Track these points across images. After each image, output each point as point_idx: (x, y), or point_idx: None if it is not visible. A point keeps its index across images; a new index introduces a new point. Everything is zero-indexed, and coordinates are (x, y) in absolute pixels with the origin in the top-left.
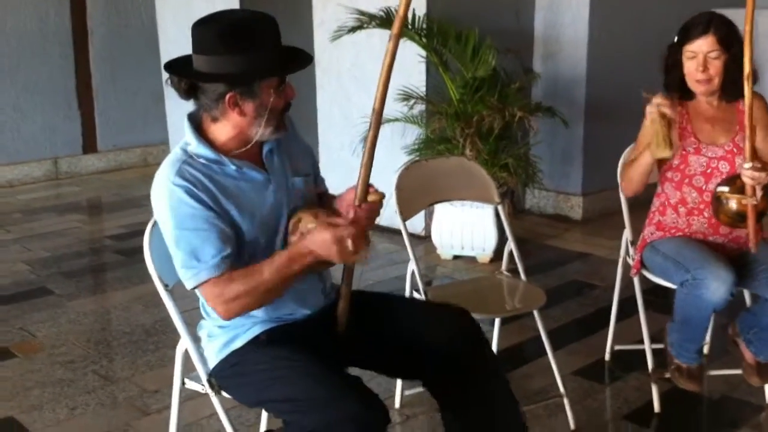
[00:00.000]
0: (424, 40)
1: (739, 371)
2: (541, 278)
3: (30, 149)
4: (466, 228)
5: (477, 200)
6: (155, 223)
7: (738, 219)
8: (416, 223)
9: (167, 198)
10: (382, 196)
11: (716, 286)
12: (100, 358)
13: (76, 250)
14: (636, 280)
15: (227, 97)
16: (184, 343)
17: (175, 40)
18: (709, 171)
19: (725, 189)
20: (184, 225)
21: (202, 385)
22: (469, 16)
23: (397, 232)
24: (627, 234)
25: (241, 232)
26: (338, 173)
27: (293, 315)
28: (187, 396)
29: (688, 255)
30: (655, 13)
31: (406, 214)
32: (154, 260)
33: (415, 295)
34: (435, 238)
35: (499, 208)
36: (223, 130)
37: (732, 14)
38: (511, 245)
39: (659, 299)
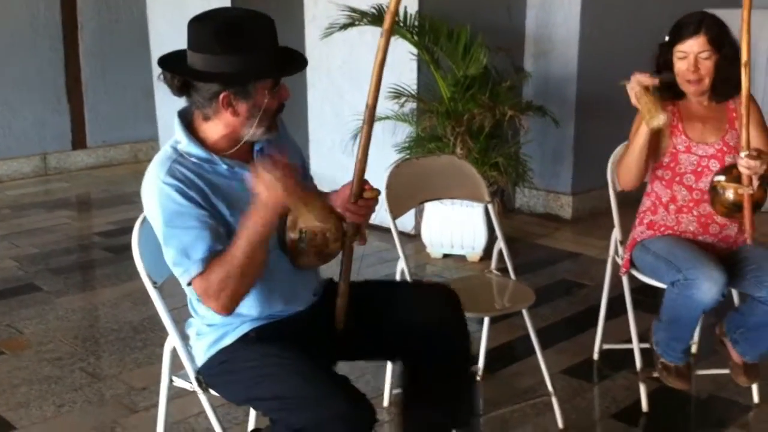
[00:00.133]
0: (415, 37)
1: (726, 371)
2: (530, 277)
3: (19, 145)
4: (456, 227)
5: (467, 199)
6: (144, 220)
7: (734, 209)
8: (406, 222)
9: (157, 196)
10: (378, 192)
11: (708, 286)
12: (88, 356)
13: (64, 247)
14: (625, 280)
15: (221, 96)
16: (172, 341)
17: (166, 36)
18: (699, 169)
19: (722, 179)
20: (175, 223)
21: (190, 382)
22: (460, 14)
23: (388, 231)
24: (616, 233)
25: (232, 230)
26: (329, 171)
27: (283, 313)
28: (175, 394)
29: (679, 254)
30: (647, 12)
31: (396, 213)
32: (142, 257)
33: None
34: (425, 236)
35: (489, 207)
36: (214, 128)
37: (725, 14)
38: (500, 244)
39: (648, 298)
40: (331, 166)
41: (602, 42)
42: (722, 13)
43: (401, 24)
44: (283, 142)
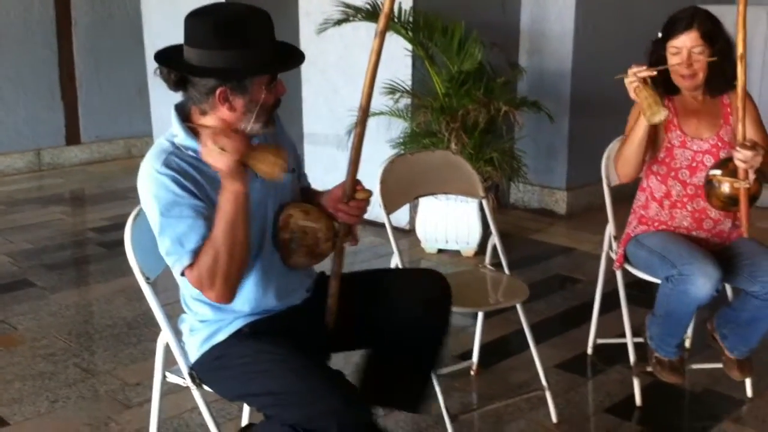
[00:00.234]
0: (410, 33)
1: (720, 365)
2: (524, 272)
3: (12, 140)
4: (451, 222)
5: (461, 194)
6: (136, 215)
7: (730, 203)
8: (401, 217)
9: (153, 186)
10: (370, 193)
11: (703, 282)
12: (82, 351)
13: (58, 243)
14: (619, 275)
15: (218, 91)
16: (165, 337)
17: (160, 31)
18: (694, 164)
19: (717, 172)
20: (170, 213)
21: (184, 378)
22: (455, 9)
23: (382, 226)
24: (610, 228)
25: None
26: (323, 166)
27: (276, 308)
28: (169, 389)
29: (674, 250)
30: (642, 8)
31: (390, 208)
32: (135, 253)
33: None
34: (419, 231)
35: (484, 202)
36: (211, 123)
37: (718, 10)
38: (494, 239)
39: (642, 293)
40: (325, 161)
41: (596, 37)
42: (715, 9)
43: (396, 20)
44: (278, 137)
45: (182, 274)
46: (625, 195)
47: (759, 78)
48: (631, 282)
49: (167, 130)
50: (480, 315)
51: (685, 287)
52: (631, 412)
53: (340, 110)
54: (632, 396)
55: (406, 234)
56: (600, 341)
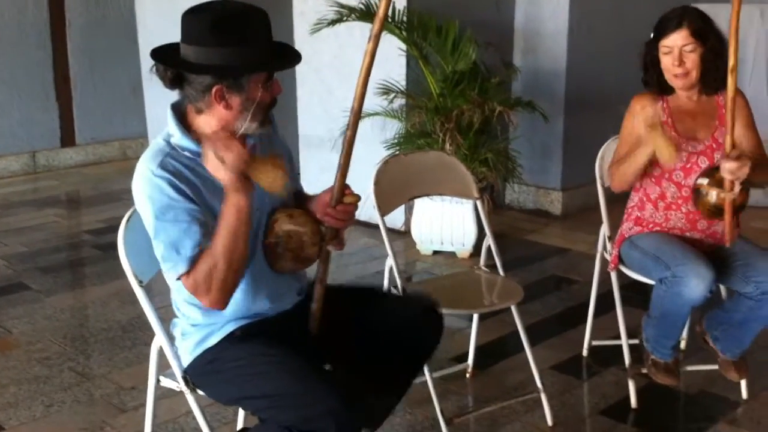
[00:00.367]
0: (404, 33)
1: (715, 366)
2: (520, 273)
3: (7, 142)
4: (446, 223)
5: (456, 195)
6: (129, 218)
7: (716, 212)
8: (396, 218)
9: (148, 189)
10: (358, 198)
11: (696, 283)
12: (77, 355)
13: (53, 245)
14: (613, 276)
15: (214, 89)
16: (159, 340)
17: (154, 32)
18: (688, 166)
19: (704, 181)
20: (165, 216)
21: (177, 382)
22: (449, 9)
23: (377, 227)
24: (604, 229)
25: None
26: (317, 167)
27: (268, 312)
28: (164, 393)
29: (667, 251)
30: (636, 8)
31: (384, 209)
32: (128, 256)
33: (393, 291)
34: (415, 233)
35: (478, 203)
36: (207, 122)
37: (711, 8)
38: (489, 240)
39: (636, 294)
40: (319, 162)
41: (591, 37)
42: (708, 8)
43: (390, 20)
44: (273, 139)
45: (178, 279)
46: (619, 195)
47: (749, 76)
48: (627, 283)
49: (162, 130)
50: (475, 317)
51: (679, 289)
52: (627, 414)
53: (335, 111)
54: (627, 398)
55: (402, 235)
56: (595, 343)
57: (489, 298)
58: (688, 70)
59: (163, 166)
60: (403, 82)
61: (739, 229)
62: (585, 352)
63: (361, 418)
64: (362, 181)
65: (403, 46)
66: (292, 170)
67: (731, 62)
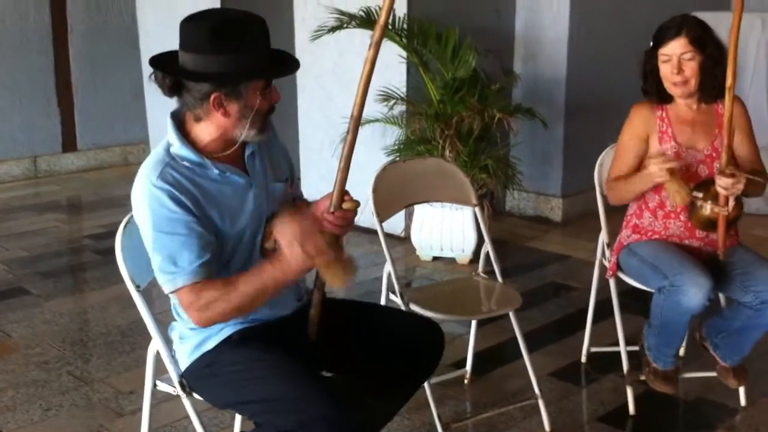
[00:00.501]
0: (404, 40)
1: (713, 373)
2: (519, 280)
3: (9, 147)
4: (446, 229)
5: (454, 202)
6: (127, 223)
7: (710, 225)
8: (396, 224)
9: (147, 200)
10: (357, 204)
11: (694, 292)
12: (76, 359)
13: (54, 250)
14: (612, 283)
15: (212, 97)
16: (156, 345)
17: (156, 37)
18: (688, 175)
19: (699, 195)
20: (163, 228)
21: (174, 387)
22: (449, 16)
23: (377, 233)
24: (603, 236)
25: (222, 236)
26: (318, 173)
27: (266, 318)
28: (162, 398)
29: (665, 260)
30: (636, 15)
31: (382, 216)
32: (126, 261)
33: (392, 296)
34: (414, 239)
35: (476, 210)
36: (206, 130)
37: (713, 17)
38: (487, 247)
39: (635, 301)
40: (319, 168)
41: (591, 44)
42: (709, 16)
43: (390, 27)
44: (272, 146)
45: (171, 292)
46: None
47: (749, 84)
48: (626, 290)
49: (164, 137)
50: (473, 323)
51: (678, 298)
52: (625, 421)
53: (335, 117)
54: (626, 405)
55: (402, 241)
56: (594, 349)
57: (487, 304)
58: (687, 78)
59: (162, 177)
60: (404, 89)
61: (738, 238)
62: (583, 359)
63: (356, 424)
64: (362, 187)
65: (404, 53)
66: (291, 175)
67: (729, 81)
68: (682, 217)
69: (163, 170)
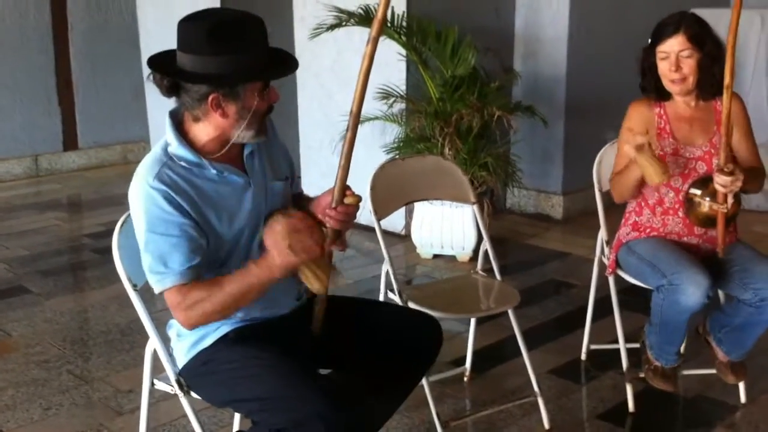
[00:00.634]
0: (403, 38)
1: (713, 371)
2: (519, 277)
3: (10, 146)
4: (446, 227)
5: (453, 200)
6: (123, 223)
7: (708, 222)
8: (396, 222)
9: (143, 200)
10: (359, 199)
11: (692, 290)
12: (76, 358)
13: (54, 249)
14: (611, 280)
15: (210, 98)
16: (153, 344)
17: (156, 36)
18: (686, 172)
19: (697, 192)
20: (156, 229)
21: (172, 386)
22: (448, 14)
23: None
24: (602, 233)
25: (219, 236)
26: (318, 171)
27: (263, 316)
28: (162, 396)
29: (663, 258)
30: (636, 13)
31: (381, 214)
32: (123, 260)
33: (390, 294)
34: (415, 237)
35: (475, 208)
36: (204, 130)
37: (712, 14)
38: (486, 245)
39: (635, 298)
40: (320, 166)
41: (591, 42)
42: (709, 13)
43: (389, 25)
44: (272, 142)
45: (160, 292)
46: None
47: (749, 82)
48: (625, 287)
49: (164, 135)
50: (472, 321)
51: (676, 297)
52: (624, 419)
53: (335, 115)
54: (625, 402)
55: (402, 239)
56: (593, 347)
57: (486, 302)
58: (685, 76)
59: (159, 177)
60: (403, 87)
61: (737, 234)
62: (583, 356)
63: (351, 422)
64: (362, 184)
65: (403, 51)
66: (291, 172)
67: (727, 80)
68: (680, 214)
69: (160, 171)
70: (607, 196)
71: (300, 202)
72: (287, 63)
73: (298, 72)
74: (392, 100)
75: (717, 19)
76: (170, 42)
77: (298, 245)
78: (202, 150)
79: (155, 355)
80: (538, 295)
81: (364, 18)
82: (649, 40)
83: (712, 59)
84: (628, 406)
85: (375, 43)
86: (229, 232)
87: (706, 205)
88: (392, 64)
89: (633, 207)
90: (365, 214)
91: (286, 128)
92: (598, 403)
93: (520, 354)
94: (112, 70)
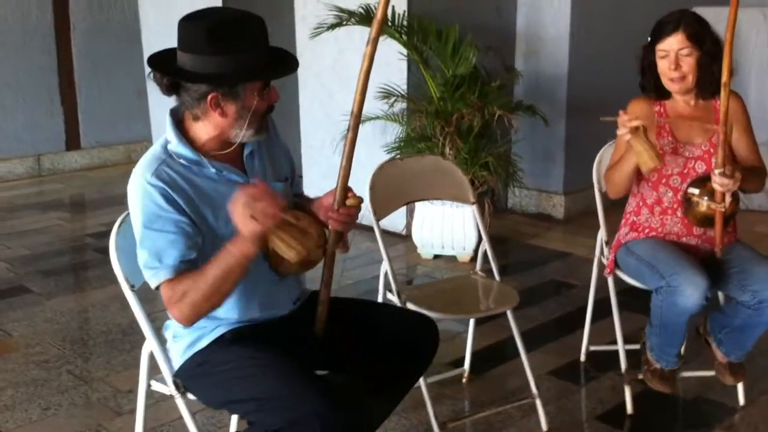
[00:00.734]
0: (404, 37)
1: (712, 372)
2: (520, 278)
3: (12, 146)
4: (447, 227)
5: (452, 200)
6: (121, 224)
7: (706, 222)
8: (397, 222)
9: (140, 196)
10: (360, 200)
11: (690, 292)
12: (76, 358)
13: (56, 248)
14: (610, 281)
15: (209, 97)
16: (150, 345)
17: (158, 36)
18: (685, 171)
19: (695, 191)
20: (153, 225)
21: (168, 387)
22: (449, 13)
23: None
24: (602, 234)
25: (216, 234)
26: (320, 171)
27: (260, 317)
28: (161, 397)
29: (662, 259)
30: (637, 11)
31: (380, 214)
32: (120, 260)
33: (388, 295)
34: (416, 237)
35: (474, 208)
36: (204, 129)
37: (713, 12)
38: (485, 245)
39: (635, 299)
40: (321, 165)
41: (592, 41)
42: (711, 11)
43: (390, 24)
44: (273, 143)
45: (157, 288)
46: (619, 199)
47: (753, 79)
48: (625, 288)
49: (164, 134)
50: (471, 322)
51: (674, 298)
52: (623, 420)
53: (336, 114)
54: (624, 404)
55: (403, 239)
56: (593, 348)
57: (485, 303)
58: (684, 74)
59: (157, 174)
60: (404, 86)
61: (736, 234)
62: (583, 357)
63: (348, 422)
64: (363, 184)
65: (404, 51)
66: (292, 173)
67: (724, 77)
68: (679, 214)
69: (159, 168)
70: (607, 196)
71: (301, 202)
72: (287, 63)
73: (300, 71)
74: (393, 99)
75: (719, 18)
76: (172, 41)
77: (258, 213)
78: (202, 149)
79: (152, 356)
80: (538, 296)
81: (365, 17)
82: (649, 39)
83: (711, 58)
84: (627, 407)
85: (375, 44)
86: (226, 231)
87: (704, 205)
88: (393, 63)
89: (632, 207)
90: (366, 214)
91: (287, 128)
92: (597, 404)
93: (519, 355)
94: (115, 70)
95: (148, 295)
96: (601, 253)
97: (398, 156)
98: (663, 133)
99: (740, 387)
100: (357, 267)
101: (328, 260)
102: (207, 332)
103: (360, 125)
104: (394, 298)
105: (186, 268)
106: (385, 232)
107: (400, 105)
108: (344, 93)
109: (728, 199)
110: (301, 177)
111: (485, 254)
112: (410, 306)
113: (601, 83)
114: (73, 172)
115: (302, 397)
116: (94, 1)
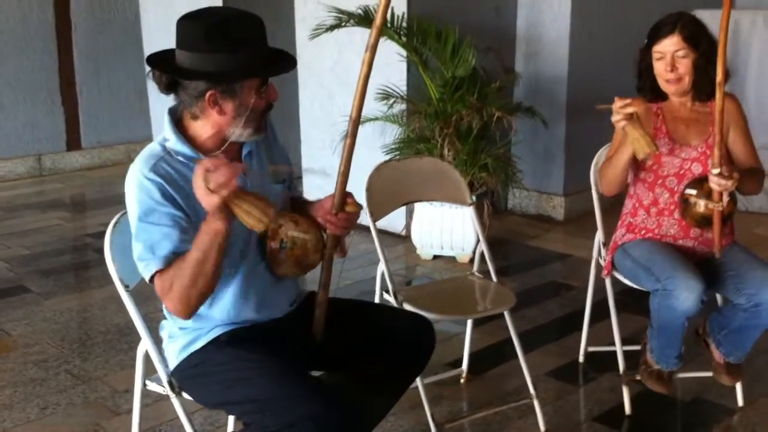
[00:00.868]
0: (403, 38)
1: (710, 373)
2: (519, 279)
3: (13, 145)
4: (446, 228)
5: (449, 201)
6: (116, 224)
7: (704, 222)
8: (396, 223)
9: (137, 190)
10: (360, 208)
11: (686, 296)
12: (74, 358)
13: (56, 248)
14: (608, 282)
15: (207, 95)
16: (145, 345)
17: (159, 35)
18: (682, 172)
19: (693, 192)
20: (148, 219)
21: (163, 387)
22: (449, 14)
23: (379, 232)
24: (599, 235)
25: None
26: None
27: (256, 319)
28: (158, 396)
29: (658, 262)
30: (636, 14)
31: (376, 215)
32: (115, 260)
33: (386, 296)
34: (415, 238)
35: (472, 209)
36: (202, 128)
37: (713, 15)
38: (482, 246)
39: (633, 300)
40: (321, 166)
41: (592, 42)
42: (710, 14)
43: (389, 25)
44: (271, 147)
45: (151, 281)
46: (620, 199)
47: (755, 80)
48: (623, 289)
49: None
50: (469, 323)
51: (670, 301)
52: (621, 421)
53: (336, 115)
54: (622, 404)
55: (402, 240)
56: (591, 349)
57: (482, 304)
58: (680, 76)
59: (155, 170)
60: (403, 88)
61: (734, 236)
62: (581, 358)
63: (343, 423)
64: (362, 185)
65: (403, 52)
66: (290, 176)
67: (719, 77)
68: (675, 215)
69: (157, 163)
70: (606, 198)
71: (299, 205)
72: (284, 61)
73: (299, 72)
74: (392, 100)
75: (717, 21)
76: (173, 41)
77: (214, 184)
78: (200, 147)
79: (147, 356)
80: (538, 297)
81: (364, 18)
82: (646, 41)
83: (707, 60)
84: (625, 408)
85: (374, 50)
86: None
87: (701, 205)
88: (393, 64)
89: (628, 209)
90: (365, 215)
91: (287, 128)
92: (595, 405)
93: (518, 356)
94: (115, 70)
95: (144, 295)
96: (599, 254)
97: (397, 157)
98: (660, 135)
99: (739, 388)
100: (356, 268)
101: (326, 263)
102: (203, 333)
103: (359, 126)
104: (390, 299)
105: (177, 259)
106: (384, 233)
107: (400, 106)
108: (344, 94)
109: (726, 198)
110: (299, 178)
111: (482, 255)
112: (407, 307)
113: (601, 85)
114: (74, 172)
115: (298, 399)
116: (95, 1)
